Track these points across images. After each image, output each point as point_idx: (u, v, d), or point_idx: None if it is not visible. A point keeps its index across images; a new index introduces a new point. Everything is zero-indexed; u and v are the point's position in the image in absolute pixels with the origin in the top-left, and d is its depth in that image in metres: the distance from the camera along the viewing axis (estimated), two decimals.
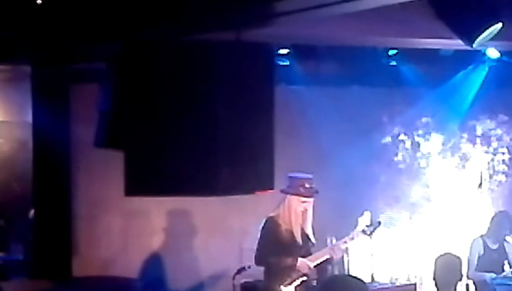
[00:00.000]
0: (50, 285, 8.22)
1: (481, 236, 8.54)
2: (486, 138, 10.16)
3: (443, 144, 10.08)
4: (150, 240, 9.29)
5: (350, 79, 9.45)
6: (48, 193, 8.49)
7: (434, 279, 5.92)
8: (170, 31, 5.55)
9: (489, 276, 8.23)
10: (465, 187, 10.07)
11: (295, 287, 7.43)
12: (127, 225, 9.23)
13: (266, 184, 4.90)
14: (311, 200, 7.38)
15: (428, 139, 10.06)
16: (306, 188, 7.35)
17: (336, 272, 7.99)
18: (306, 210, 7.39)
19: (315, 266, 7.48)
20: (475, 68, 9.63)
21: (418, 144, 10.05)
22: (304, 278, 7.44)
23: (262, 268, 7.50)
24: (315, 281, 7.61)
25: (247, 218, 8.84)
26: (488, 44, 7.54)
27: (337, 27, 7.28)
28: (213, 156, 4.74)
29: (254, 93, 4.85)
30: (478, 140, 10.15)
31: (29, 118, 8.51)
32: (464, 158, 10.13)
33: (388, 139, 9.93)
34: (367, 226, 7.78)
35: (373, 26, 7.41)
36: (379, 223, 7.81)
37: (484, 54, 9.22)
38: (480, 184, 10.07)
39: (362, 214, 9.35)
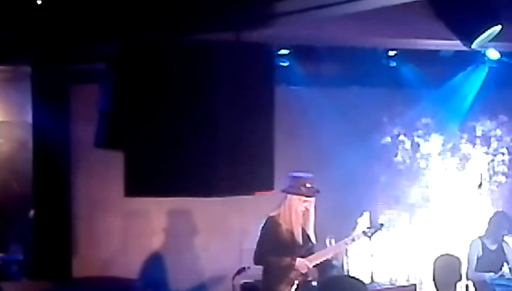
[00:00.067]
0: (50, 286, 8.22)
1: (480, 237, 8.55)
2: (486, 139, 10.17)
3: (443, 145, 10.09)
4: (150, 241, 9.29)
5: (350, 80, 9.46)
6: (48, 193, 8.49)
7: (433, 279, 5.93)
8: (170, 31, 5.54)
9: (488, 276, 8.23)
10: (465, 187, 10.08)
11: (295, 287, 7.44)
12: (127, 225, 9.23)
13: (266, 184, 4.90)
14: (312, 199, 7.38)
15: (428, 140, 10.07)
16: (307, 187, 7.35)
17: (336, 273, 8.00)
18: (307, 209, 7.39)
19: (314, 266, 7.49)
20: (475, 69, 9.64)
21: (418, 145, 10.06)
22: (305, 278, 7.45)
23: (261, 268, 7.51)
24: (315, 281, 7.62)
25: (247, 218, 8.85)
26: (488, 45, 7.55)
27: (337, 28, 7.28)
28: (213, 156, 4.74)
29: (254, 94, 4.85)
30: (478, 141, 10.16)
31: (29, 118, 8.52)
32: (464, 159, 10.13)
33: (388, 140, 9.93)
34: (368, 227, 7.79)
35: (373, 27, 7.42)
36: (381, 225, 7.82)
37: (484, 55, 9.23)
38: (480, 185, 10.08)
39: (361, 215, 9.39)
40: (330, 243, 8.03)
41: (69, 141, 8.68)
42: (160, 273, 9.22)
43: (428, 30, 7.14)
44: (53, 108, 8.35)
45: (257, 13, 5.72)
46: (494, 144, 10.18)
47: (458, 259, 6.06)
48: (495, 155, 10.19)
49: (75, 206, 8.95)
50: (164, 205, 9.01)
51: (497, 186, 10.15)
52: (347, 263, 8.74)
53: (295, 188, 7.36)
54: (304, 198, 7.35)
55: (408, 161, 10.04)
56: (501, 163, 10.20)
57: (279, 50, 8.83)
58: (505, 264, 8.46)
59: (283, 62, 9.04)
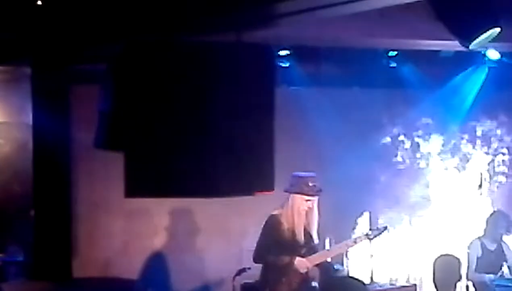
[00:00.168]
0: (50, 286, 8.21)
1: (479, 237, 8.55)
2: (486, 139, 10.17)
3: (443, 145, 10.09)
4: (150, 241, 9.30)
5: (350, 80, 9.46)
6: (48, 194, 8.48)
7: (433, 280, 5.94)
8: (171, 32, 5.54)
9: (488, 277, 8.23)
10: (465, 188, 10.08)
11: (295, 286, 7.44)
12: (127, 226, 9.24)
13: (266, 184, 4.90)
14: (314, 198, 7.38)
15: (428, 141, 10.07)
16: (309, 186, 7.35)
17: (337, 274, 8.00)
18: (310, 208, 7.39)
19: (316, 266, 7.49)
20: (475, 70, 9.65)
21: (418, 145, 10.06)
22: (304, 278, 7.45)
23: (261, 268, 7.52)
24: (315, 282, 7.62)
25: (247, 219, 8.85)
26: (488, 46, 7.55)
27: (337, 28, 7.29)
28: (213, 157, 4.74)
29: (255, 95, 4.85)
30: (478, 141, 10.16)
31: (29, 119, 8.50)
32: (464, 159, 10.13)
33: (388, 140, 9.93)
34: (371, 230, 7.78)
35: (374, 28, 7.42)
36: (385, 228, 7.80)
37: (484, 55, 9.24)
38: (480, 185, 10.08)
39: (361, 215, 9.39)
40: (330, 243, 8.03)
41: (69, 142, 8.67)
42: (161, 273, 9.23)
43: (428, 30, 7.14)
44: (53, 109, 8.34)
45: (257, 14, 5.72)
46: (494, 145, 10.18)
47: (458, 259, 6.07)
48: (495, 155, 10.19)
49: (75, 207, 8.94)
50: (164, 206, 9.02)
51: (497, 186, 10.15)
52: (347, 263, 8.74)
53: (298, 187, 7.36)
54: (306, 197, 7.35)
55: (408, 161, 10.04)
56: (501, 163, 10.20)
57: (279, 51, 8.84)
58: (504, 264, 8.47)
59: (284, 63, 9.05)
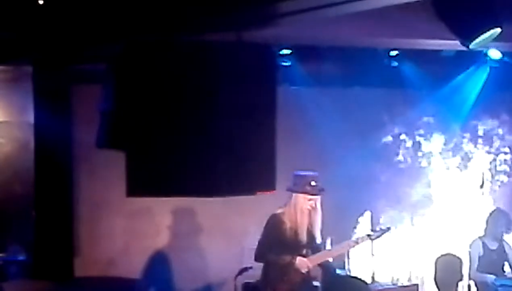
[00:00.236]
0: (51, 286, 8.22)
1: (480, 237, 8.54)
2: (488, 138, 10.16)
3: (444, 144, 10.08)
4: (152, 241, 9.30)
5: (351, 80, 9.46)
6: (49, 194, 8.50)
7: (435, 279, 5.94)
8: (172, 31, 5.54)
9: (490, 277, 8.23)
10: (467, 187, 10.07)
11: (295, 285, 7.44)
12: (129, 225, 9.24)
13: (268, 184, 4.90)
14: (317, 197, 7.39)
15: (429, 140, 10.06)
16: (311, 185, 7.36)
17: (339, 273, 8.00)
18: (313, 208, 7.39)
19: (319, 266, 7.49)
20: (477, 69, 9.64)
21: (420, 144, 10.06)
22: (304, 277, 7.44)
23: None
24: (316, 281, 7.62)
25: (248, 218, 8.85)
26: (490, 45, 7.55)
27: (338, 28, 7.28)
28: (214, 156, 4.74)
29: (256, 94, 4.85)
30: (480, 140, 10.15)
31: (31, 118, 8.52)
32: (466, 158, 10.13)
33: (389, 139, 9.93)
34: (373, 230, 7.78)
35: (375, 27, 7.42)
36: (388, 229, 7.80)
37: (486, 55, 9.24)
38: (482, 184, 10.07)
39: (362, 214, 9.39)
40: (331, 243, 8.03)
41: (70, 142, 8.69)
42: (162, 273, 9.23)
43: (429, 30, 7.13)
44: (54, 109, 8.36)
45: (258, 13, 5.72)
46: (496, 144, 10.17)
47: (459, 259, 6.07)
48: (497, 154, 10.18)
49: (77, 206, 8.96)
50: (166, 205, 9.02)
51: (499, 186, 10.14)
52: (349, 263, 8.74)
53: (300, 186, 7.36)
54: (309, 196, 7.36)
55: (409, 160, 10.04)
56: (503, 162, 10.19)
57: (280, 50, 8.84)
58: (506, 264, 8.46)
59: (285, 62, 9.04)
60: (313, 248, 7.51)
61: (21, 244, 8.78)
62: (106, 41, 5.93)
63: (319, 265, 7.51)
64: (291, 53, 9.00)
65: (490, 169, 10.15)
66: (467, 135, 10.13)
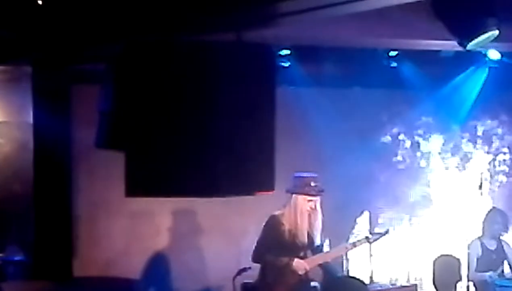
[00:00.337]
0: (51, 286, 8.22)
1: (479, 237, 8.54)
2: (487, 139, 10.16)
3: (443, 144, 10.08)
4: (151, 241, 9.29)
5: (351, 80, 9.46)
6: (49, 194, 8.49)
7: (433, 280, 5.95)
8: (171, 31, 5.54)
9: (488, 275, 8.22)
10: (466, 187, 10.07)
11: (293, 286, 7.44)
12: (128, 225, 9.23)
13: (267, 184, 4.90)
14: (317, 198, 7.39)
15: (428, 140, 10.06)
16: (311, 186, 7.37)
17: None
18: (312, 209, 7.40)
19: (317, 267, 7.49)
20: (476, 70, 9.65)
21: (418, 144, 10.06)
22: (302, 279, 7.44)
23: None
24: (316, 282, 7.62)
25: (247, 218, 8.85)
26: (489, 46, 7.55)
27: (338, 28, 7.28)
28: (214, 156, 4.74)
29: (255, 94, 4.85)
30: (479, 140, 10.15)
31: (30, 119, 8.51)
32: (465, 158, 10.13)
33: (388, 139, 9.93)
34: (372, 233, 7.78)
35: (374, 28, 7.42)
36: (386, 232, 7.81)
37: (485, 55, 9.24)
38: (481, 185, 10.06)
39: (361, 214, 9.39)
40: (329, 244, 8.03)
41: (70, 142, 8.68)
42: (162, 273, 9.23)
43: (429, 30, 7.14)
44: (53, 109, 8.35)
45: (258, 13, 5.72)
46: (495, 144, 10.17)
47: (457, 259, 6.08)
48: (496, 155, 10.18)
49: (76, 206, 8.95)
50: (165, 206, 9.02)
51: (498, 186, 10.14)
52: (347, 263, 8.73)
53: (300, 187, 7.37)
54: (308, 198, 7.37)
55: (408, 160, 10.04)
56: (502, 162, 10.19)
57: (280, 50, 8.84)
58: (505, 262, 8.46)
59: (284, 62, 9.04)
60: (313, 249, 7.51)
61: (20, 244, 8.77)
62: (105, 41, 5.94)
63: (319, 266, 7.51)
64: (290, 53, 9.00)
65: (489, 169, 10.15)
66: (466, 135, 10.13)
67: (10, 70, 8.73)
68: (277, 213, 7.43)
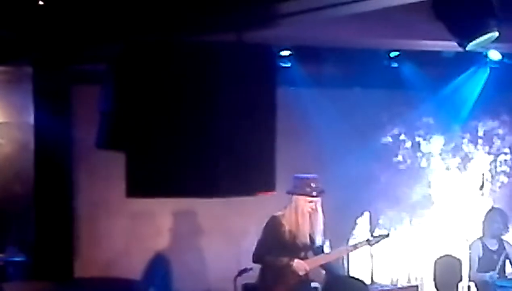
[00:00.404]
0: (51, 286, 8.22)
1: (480, 238, 8.53)
2: (488, 139, 10.16)
3: (444, 145, 10.08)
4: (152, 242, 9.30)
5: (351, 81, 9.46)
6: (49, 194, 8.49)
7: (434, 281, 5.95)
8: (172, 32, 5.54)
9: (489, 275, 8.21)
10: (467, 188, 10.07)
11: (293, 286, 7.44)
12: (128, 226, 9.24)
13: (268, 185, 4.90)
14: (317, 199, 7.39)
15: (429, 140, 10.06)
16: (312, 187, 7.37)
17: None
18: (313, 210, 7.40)
19: (319, 267, 7.49)
20: (477, 70, 9.65)
21: (419, 145, 10.05)
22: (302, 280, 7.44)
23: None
24: (315, 283, 7.63)
25: (248, 219, 8.86)
26: (490, 47, 7.55)
27: (339, 29, 7.28)
28: (214, 157, 4.74)
29: (256, 95, 4.84)
30: (480, 141, 10.15)
31: (31, 119, 8.52)
32: (466, 159, 10.12)
33: (389, 140, 9.93)
34: (373, 236, 7.78)
35: (375, 28, 7.42)
36: (387, 235, 7.80)
37: (486, 56, 9.24)
38: (482, 185, 10.06)
39: (362, 215, 9.39)
40: (330, 244, 8.03)
41: (70, 142, 8.69)
42: (162, 274, 9.23)
43: (429, 31, 7.13)
44: (54, 109, 8.35)
45: (258, 14, 5.72)
46: (496, 145, 10.17)
47: (458, 260, 6.08)
48: (497, 155, 10.18)
49: (77, 207, 8.96)
50: (166, 206, 9.01)
51: (499, 186, 10.14)
52: (348, 263, 8.74)
53: (300, 188, 7.37)
54: (309, 198, 7.37)
55: (409, 160, 10.04)
56: (503, 163, 10.19)
57: (280, 51, 8.84)
58: (507, 264, 8.45)
59: (285, 63, 9.04)
60: (314, 250, 7.51)
61: (21, 244, 8.77)
62: (106, 41, 5.94)
63: (321, 266, 7.52)
64: (291, 54, 9.00)
65: (490, 170, 10.15)
66: (467, 136, 10.13)
67: (11, 71, 8.73)
68: (277, 213, 7.44)
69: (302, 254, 7.45)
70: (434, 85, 9.66)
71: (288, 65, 9.10)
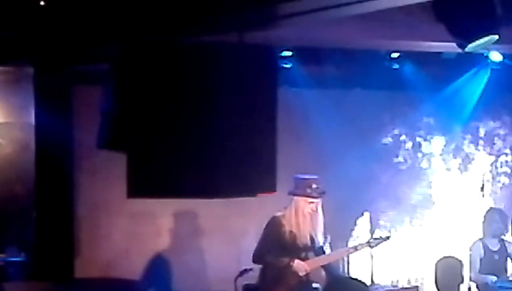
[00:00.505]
0: (52, 287, 8.22)
1: (480, 239, 8.53)
2: (489, 140, 10.16)
3: (445, 145, 10.08)
4: (152, 242, 9.29)
5: (352, 82, 9.46)
6: (50, 194, 8.50)
7: (435, 282, 5.94)
8: (173, 32, 5.55)
9: (490, 278, 8.21)
10: (468, 189, 10.06)
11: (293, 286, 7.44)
12: (129, 226, 9.23)
13: (269, 186, 4.90)
14: (318, 200, 7.39)
15: (430, 141, 10.06)
16: (312, 188, 7.37)
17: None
18: (314, 211, 7.40)
19: (320, 268, 7.49)
20: (478, 71, 9.65)
21: (420, 145, 10.05)
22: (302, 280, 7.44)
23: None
24: (316, 284, 7.62)
25: (249, 220, 8.86)
26: (491, 48, 7.55)
27: (340, 30, 7.28)
28: (215, 158, 4.74)
29: (257, 96, 4.85)
30: (481, 141, 10.15)
31: (32, 119, 8.52)
32: (467, 160, 10.12)
33: (389, 140, 9.93)
34: (374, 238, 7.78)
35: (376, 29, 7.42)
36: (388, 237, 7.80)
37: (487, 57, 9.24)
38: (483, 186, 10.06)
39: (362, 215, 9.39)
40: (330, 245, 8.03)
41: (71, 143, 8.69)
42: (162, 274, 9.23)
43: (430, 32, 7.13)
44: (55, 110, 8.36)
45: (260, 14, 5.72)
46: (497, 145, 10.17)
47: (460, 261, 6.07)
48: (498, 156, 10.18)
49: (77, 207, 8.96)
50: (166, 207, 9.01)
51: (500, 187, 10.13)
52: (348, 264, 8.74)
53: (301, 189, 7.37)
54: (310, 200, 7.37)
55: (409, 161, 10.03)
56: (504, 163, 10.18)
57: (281, 52, 8.84)
58: (509, 264, 8.44)
59: (286, 64, 9.04)
60: (314, 251, 7.51)
61: (21, 244, 8.77)
62: (107, 41, 5.94)
63: (321, 267, 7.52)
64: (292, 55, 9.00)
65: (491, 171, 10.14)
66: (468, 136, 10.12)
67: (12, 71, 8.73)
68: (278, 214, 7.44)
69: (303, 254, 7.45)
70: (435, 86, 9.66)
71: (289, 65, 9.10)
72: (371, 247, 7.68)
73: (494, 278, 8.19)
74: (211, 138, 4.74)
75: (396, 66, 9.40)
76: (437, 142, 10.07)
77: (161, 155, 4.73)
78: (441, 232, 9.79)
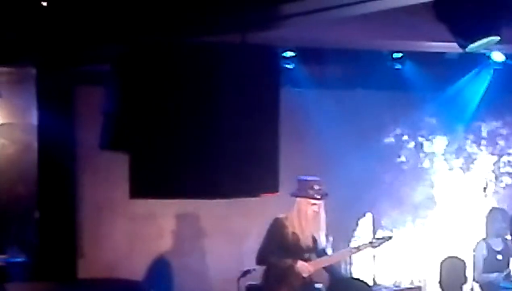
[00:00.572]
0: (54, 287, 8.23)
1: (484, 239, 8.52)
2: (491, 140, 10.14)
3: (447, 145, 10.07)
4: (155, 243, 9.29)
5: (355, 82, 9.46)
6: (53, 195, 8.51)
7: (439, 282, 5.94)
8: (175, 33, 5.55)
9: (494, 277, 8.19)
10: (470, 189, 10.05)
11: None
12: (132, 227, 9.23)
13: (271, 186, 4.90)
14: (320, 202, 7.39)
15: (432, 141, 10.05)
16: (315, 189, 7.37)
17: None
18: (316, 212, 7.40)
19: (323, 269, 7.49)
20: (480, 71, 9.64)
21: (422, 145, 10.04)
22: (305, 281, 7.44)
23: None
24: (319, 284, 7.62)
25: (251, 220, 8.85)
26: (493, 48, 7.54)
27: (342, 30, 7.28)
28: (217, 158, 4.74)
29: (259, 96, 4.85)
30: (483, 141, 10.13)
31: (34, 120, 8.53)
32: (469, 159, 10.11)
33: (391, 140, 9.92)
34: (376, 238, 7.78)
35: (378, 29, 7.41)
36: (390, 237, 7.80)
37: (489, 57, 9.23)
38: (486, 186, 10.05)
39: (364, 216, 9.38)
40: (332, 245, 8.03)
41: (74, 143, 8.70)
42: (165, 275, 9.22)
43: (433, 32, 7.12)
44: (58, 110, 8.37)
45: (262, 15, 5.72)
46: (499, 145, 10.16)
47: (463, 262, 6.07)
48: (501, 156, 10.16)
49: (80, 208, 8.96)
50: (169, 208, 9.01)
51: (503, 187, 10.12)
52: (350, 265, 8.73)
53: (303, 190, 7.38)
54: (312, 201, 7.37)
55: (411, 161, 10.02)
56: (507, 163, 10.17)
57: (284, 52, 8.83)
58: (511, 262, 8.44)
59: (288, 64, 9.04)
60: (317, 252, 7.51)
61: (24, 245, 8.78)
62: (109, 42, 5.94)
63: (324, 268, 7.52)
64: (294, 55, 9.00)
65: (493, 171, 10.13)
66: (471, 136, 10.11)
67: (15, 72, 8.74)
68: (281, 215, 7.44)
69: (306, 256, 7.45)
70: (437, 86, 9.65)
71: (292, 66, 9.09)
72: (374, 247, 7.68)
73: (497, 274, 8.17)
74: (214, 139, 4.74)
75: (398, 66, 9.39)
76: (439, 142, 10.07)
77: (163, 155, 4.73)
78: (443, 232, 9.77)
